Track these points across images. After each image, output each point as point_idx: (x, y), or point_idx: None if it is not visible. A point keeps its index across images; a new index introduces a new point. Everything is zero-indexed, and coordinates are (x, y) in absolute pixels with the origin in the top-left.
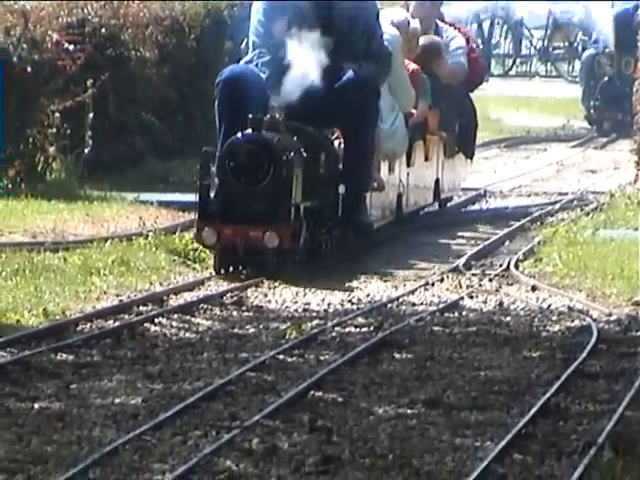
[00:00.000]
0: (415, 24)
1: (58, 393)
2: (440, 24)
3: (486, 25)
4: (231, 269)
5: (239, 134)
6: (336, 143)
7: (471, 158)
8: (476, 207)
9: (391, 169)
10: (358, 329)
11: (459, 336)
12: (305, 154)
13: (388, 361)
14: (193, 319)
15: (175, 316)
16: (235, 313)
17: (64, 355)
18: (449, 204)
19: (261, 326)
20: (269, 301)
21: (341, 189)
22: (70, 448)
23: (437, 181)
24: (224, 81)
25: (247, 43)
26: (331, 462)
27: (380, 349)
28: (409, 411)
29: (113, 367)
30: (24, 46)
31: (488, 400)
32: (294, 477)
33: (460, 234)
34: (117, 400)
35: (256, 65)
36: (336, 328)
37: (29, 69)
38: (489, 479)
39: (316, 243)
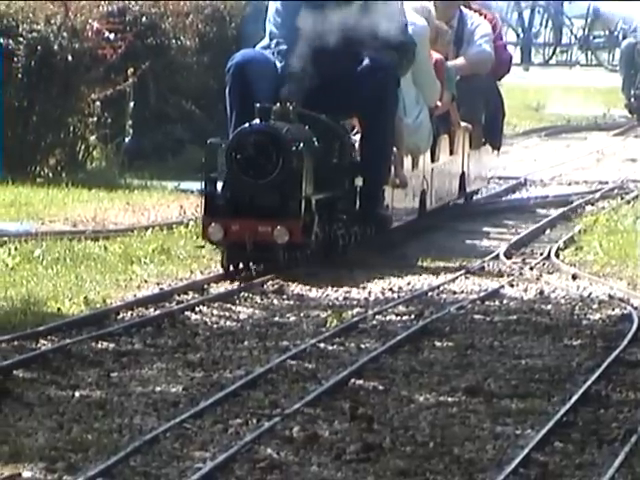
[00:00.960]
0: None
1: (99, 381)
2: (465, 11)
3: (526, 14)
4: (241, 266)
5: (246, 124)
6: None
7: (498, 149)
8: (517, 195)
9: (415, 165)
10: (399, 317)
11: (500, 324)
12: (318, 144)
13: (429, 349)
14: (234, 307)
15: (216, 304)
16: (276, 301)
17: (105, 343)
18: (486, 193)
19: (302, 314)
20: (309, 289)
21: (358, 181)
22: (111, 436)
23: (462, 175)
24: (235, 66)
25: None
26: (372, 450)
27: (421, 337)
28: (450, 399)
29: (154, 355)
30: (65, 35)
31: (529, 388)
32: (335, 465)
33: (501, 222)
34: (158, 388)
35: (272, 53)
36: (377, 316)
37: (70, 58)
38: (530, 467)
39: (332, 237)
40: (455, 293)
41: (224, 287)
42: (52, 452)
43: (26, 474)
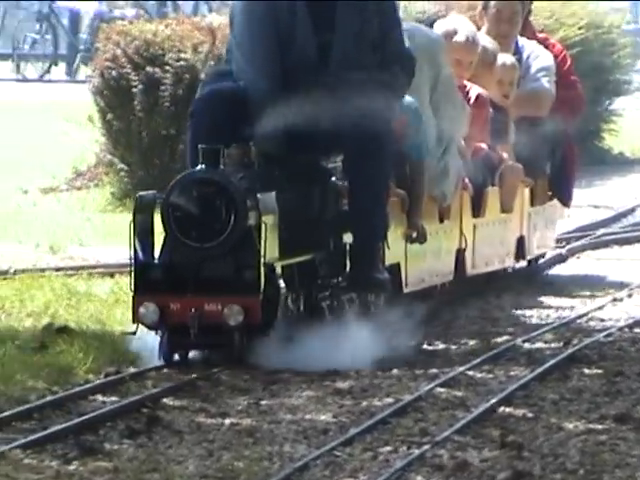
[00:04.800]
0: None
1: (248, 409)
2: (522, 42)
3: None
4: (185, 355)
5: (187, 172)
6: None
7: (568, 205)
8: None
9: (444, 217)
10: (547, 344)
11: None
12: (289, 193)
13: (577, 376)
14: None
15: None
16: (424, 328)
17: (254, 372)
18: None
19: (449, 342)
20: (457, 316)
21: (347, 237)
22: (261, 463)
23: (521, 238)
24: (197, 108)
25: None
26: (522, 477)
27: (569, 364)
28: (599, 426)
29: (302, 383)
30: (211, 63)
31: None
32: None
33: None
34: (307, 416)
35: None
36: (525, 344)
37: None
38: None
39: (313, 310)
40: (603, 320)
41: None
42: None
43: None
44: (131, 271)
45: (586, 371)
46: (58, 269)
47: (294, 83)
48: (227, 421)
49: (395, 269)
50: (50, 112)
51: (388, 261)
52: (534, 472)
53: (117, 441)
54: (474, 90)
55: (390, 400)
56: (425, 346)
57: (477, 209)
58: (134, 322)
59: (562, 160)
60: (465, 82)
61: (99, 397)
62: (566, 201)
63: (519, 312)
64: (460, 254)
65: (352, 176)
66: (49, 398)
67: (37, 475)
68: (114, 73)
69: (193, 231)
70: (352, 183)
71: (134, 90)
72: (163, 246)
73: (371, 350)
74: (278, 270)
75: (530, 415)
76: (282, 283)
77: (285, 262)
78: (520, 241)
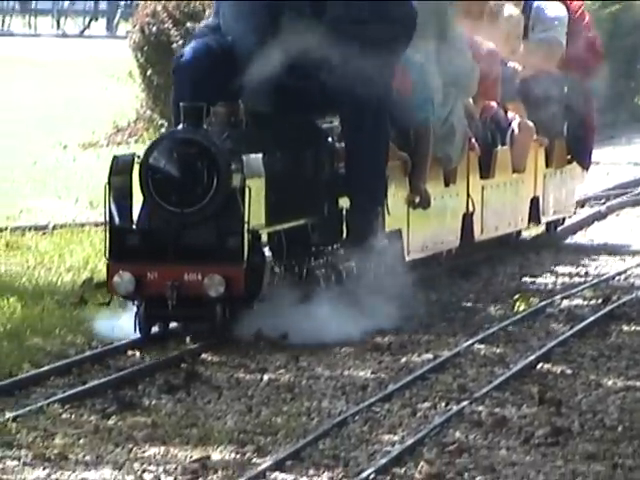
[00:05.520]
0: None
1: (287, 365)
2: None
3: None
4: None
5: (167, 132)
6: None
7: (587, 168)
8: None
9: (449, 180)
10: (586, 301)
11: None
12: (280, 154)
13: (616, 333)
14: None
15: None
16: (464, 285)
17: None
18: None
19: (489, 298)
20: (496, 273)
21: (343, 202)
22: (299, 419)
23: (535, 200)
24: (179, 67)
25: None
26: (560, 434)
27: (608, 321)
28: (638, 383)
29: (341, 339)
30: None
31: None
32: (523, 449)
33: None
34: (346, 372)
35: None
36: (564, 300)
37: None
38: None
39: (306, 279)
40: None
41: None
42: (241, 435)
43: (215, 456)
44: (105, 237)
45: (625, 328)
46: (97, 224)
47: (286, 37)
48: (266, 377)
49: (396, 236)
50: (90, 68)
51: (389, 227)
52: (572, 428)
53: (156, 396)
54: (485, 46)
55: (429, 356)
56: (464, 303)
57: (486, 170)
58: (108, 292)
59: (581, 121)
60: (476, 38)
61: (138, 352)
62: (585, 164)
63: (558, 269)
64: (467, 219)
65: (348, 137)
66: (88, 353)
67: (76, 430)
68: (154, 29)
69: (173, 195)
70: (348, 144)
71: (174, 46)
72: (141, 211)
73: (407, 309)
74: (264, 238)
75: (569, 372)
76: (268, 252)
77: (272, 229)
78: (534, 202)
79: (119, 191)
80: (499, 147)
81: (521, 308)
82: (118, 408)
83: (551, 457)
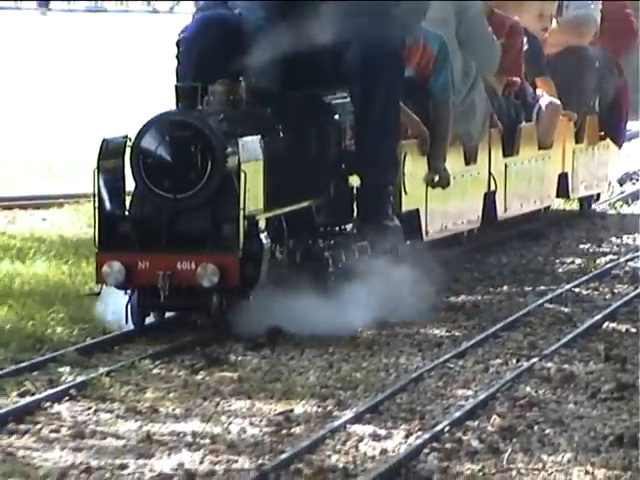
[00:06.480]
0: None
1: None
2: None
3: None
4: (154, 319)
5: (160, 113)
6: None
7: (620, 145)
8: None
9: (470, 158)
10: None
11: None
12: (284, 133)
13: None
14: (492, 255)
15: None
16: (534, 248)
17: None
18: None
19: (557, 261)
20: (564, 237)
21: (354, 180)
22: (378, 374)
23: (563, 176)
24: (185, 37)
25: None
26: (625, 389)
27: None
28: None
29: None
30: None
31: None
32: (590, 403)
33: None
34: (422, 330)
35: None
36: (629, 263)
37: None
38: None
39: (313, 262)
40: None
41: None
42: (322, 389)
43: (298, 410)
44: (95, 224)
45: None
46: None
47: (293, 10)
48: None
49: (414, 215)
50: None
51: (406, 207)
52: (637, 384)
53: (241, 353)
54: (508, 20)
55: (500, 315)
56: (534, 265)
57: (510, 147)
58: (97, 282)
59: (614, 97)
60: (499, 12)
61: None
62: (618, 141)
63: (623, 233)
64: (489, 197)
65: (358, 113)
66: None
67: (166, 384)
68: None
69: (165, 180)
70: (358, 122)
71: None
72: (133, 197)
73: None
74: (262, 224)
75: (633, 330)
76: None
77: (272, 214)
78: (562, 178)
79: (109, 175)
80: (523, 123)
81: (588, 270)
82: (206, 364)
83: (616, 411)
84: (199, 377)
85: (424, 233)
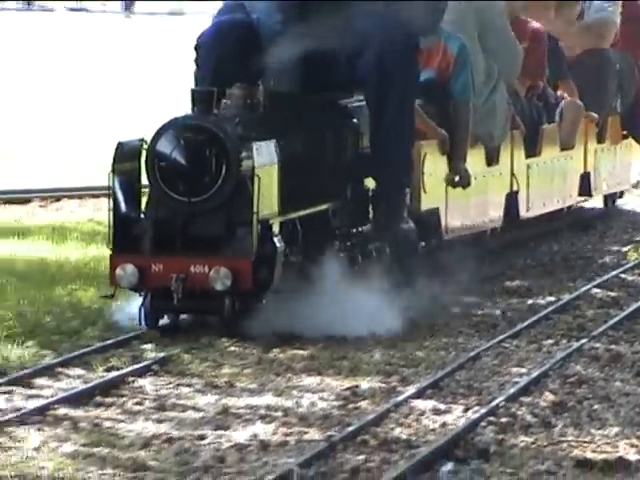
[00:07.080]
0: None
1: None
2: None
3: None
4: (168, 320)
5: (174, 118)
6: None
7: None
8: None
9: (492, 159)
10: None
11: None
12: (298, 137)
13: None
14: (545, 243)
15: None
16: (583, 237)
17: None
18: None
19: (604, 249)
20: (610, 227)
21: (369, 182)
22: (438, 353)
23: (586, 175)
24: (204, 41)
25: None
26: None
27: None
28: None
29: (476, 283)
30: None
31: None
32: (636, 381)
33: None
34: (479, 311)
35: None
36: None
37: None
38: None
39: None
40: None
41: None
42: (387, 367)
43: (364, 385)
44: (109, 227)
45: None
46: None
47: (310, 15)
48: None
49: (434, 214)
50: None
51: (425, 206)
52: None
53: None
54: (531, 25)
55: (552, 299)
56: (583, 253)
57: (532, 148)
58: (111, 284)
59: (635, 98)
60: (523, 17)
61: None
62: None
63: None
64: (512, 197)
65: (373, 117)
66: None
67: (241, 361)
68: None
69: (180, 184)
70: (373, 125)
71: None
72: (148, 200)
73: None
74: (275, 228)
75: None
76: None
77: (286, 217)
78: (585, 178)
79: (124, 178)
80: (545, 125)
81: (633, 257)
82: (279, 342)
83: None
84: (272, 355)
85: (444, 231)
